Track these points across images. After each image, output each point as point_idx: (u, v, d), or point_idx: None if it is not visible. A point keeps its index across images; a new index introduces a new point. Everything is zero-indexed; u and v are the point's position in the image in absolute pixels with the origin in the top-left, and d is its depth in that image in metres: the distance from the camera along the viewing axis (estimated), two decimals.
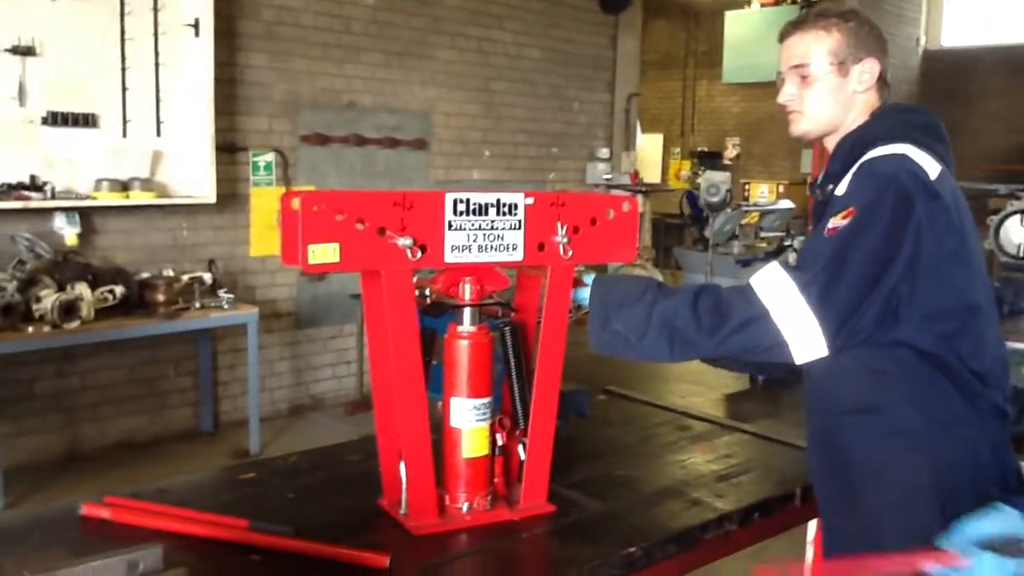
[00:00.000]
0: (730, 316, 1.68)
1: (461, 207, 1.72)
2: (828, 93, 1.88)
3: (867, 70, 1.87)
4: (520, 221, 1.78)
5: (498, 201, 1.75)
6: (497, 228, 1.76)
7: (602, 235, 1.86)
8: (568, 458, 2.16)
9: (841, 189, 1.78)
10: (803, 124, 1.94)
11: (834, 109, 1.89)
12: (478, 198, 1.73)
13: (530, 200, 1.78)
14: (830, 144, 1.94)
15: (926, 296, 1.66)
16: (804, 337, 1.64)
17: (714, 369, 3.46)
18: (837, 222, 1.69)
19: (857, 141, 1.84)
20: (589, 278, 1.84)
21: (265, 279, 5.99)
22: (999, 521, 1.53)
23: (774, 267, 1.72)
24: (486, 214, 1.74)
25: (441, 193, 1.69)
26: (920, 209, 1.66)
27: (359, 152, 6.37)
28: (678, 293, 1.74)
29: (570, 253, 1.82)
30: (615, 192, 7.13)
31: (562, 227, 1.81)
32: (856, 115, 1.89)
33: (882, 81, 1.90)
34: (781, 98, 1.97)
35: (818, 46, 1.88)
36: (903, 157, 1.72)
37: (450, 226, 1.71)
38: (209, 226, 5.65)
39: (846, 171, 1.80)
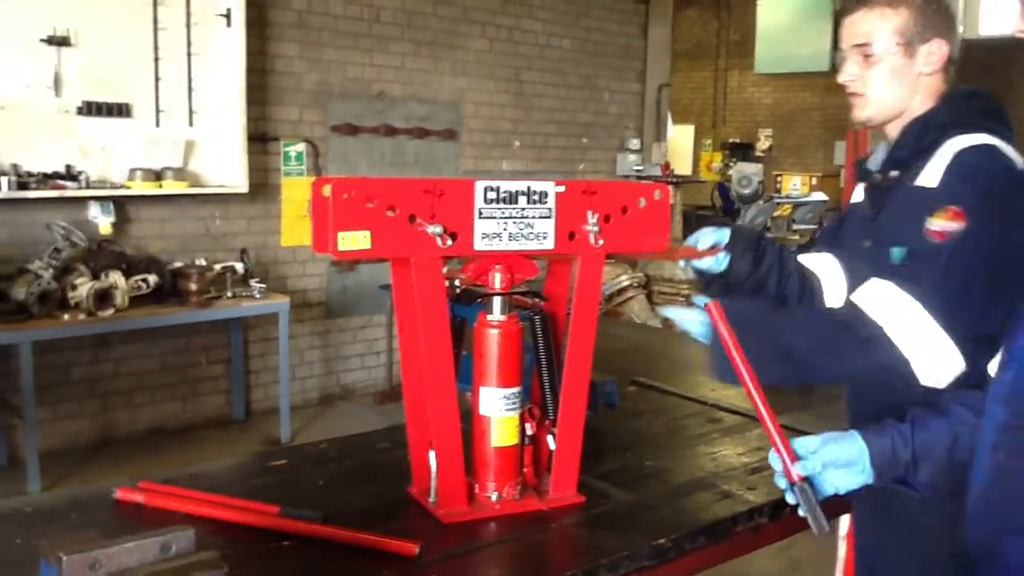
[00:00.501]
0: (848, 337, 1.62)
1: (492, 195, 1.71)
2: (892, 74, 1.80)
3: (935, 51, 1.79)
4: (551, 209, 1.77)
5: (528, 189, 1.74)
6: (527, 216, 1.75)
7: (633, 224, 1.85)
8: (597, 448, 2.16)
9: (925, 179, 1.71)
10: (867, 110, 1.86)
11: (898, 92, 1.81)
12: (508, 186, 1.72)
13: (561, 188, 1.77)
14: (893, 130, 1.87)
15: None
16: (932, 354, 1.57)
17: None
18: (944, 225, 1.62)
19: (926, 127, 1.77)
20: (699, 300, 1.69)
21: (296, 269, 6.03)
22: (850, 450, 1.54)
23: (879, 282, 1.66)
24: (516, 202, 1.73)
25: (471, 181, 1.68)
26: (1017, 204, 1.60)
27: (389, 142, 6.38)
28: (795, 318, 1.69)
29: (601, 242, 1.80)
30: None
31: (593, 216, 1.80)
32: (921, 99, 1.82)
33: (949, 63, 1.81)
34: (842, 77, 1.87)
35: (884, 24, 1.79)
36: (993, 150, 1.66)
37: (480, 214, 1.70)
38: (241, 216, 5.69)
39: (917, 159, 1.73)
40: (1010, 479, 1.27)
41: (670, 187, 1.99)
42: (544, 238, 1.77)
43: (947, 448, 1.50)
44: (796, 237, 9.10)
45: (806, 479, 1.48)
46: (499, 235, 1.73)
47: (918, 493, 1.53)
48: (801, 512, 1.48)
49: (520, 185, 1.73)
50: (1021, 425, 1.28)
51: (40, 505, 1.83)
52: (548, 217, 1.77)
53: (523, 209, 1.74)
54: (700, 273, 2.09)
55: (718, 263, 2.04)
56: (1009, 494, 1.28)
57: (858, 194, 2.12)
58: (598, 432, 2.17)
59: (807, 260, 2.13)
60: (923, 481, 1.51)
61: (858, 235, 1.97)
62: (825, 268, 2.13)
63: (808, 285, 2.09)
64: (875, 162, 1.97)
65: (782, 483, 1.51)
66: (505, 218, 1.72)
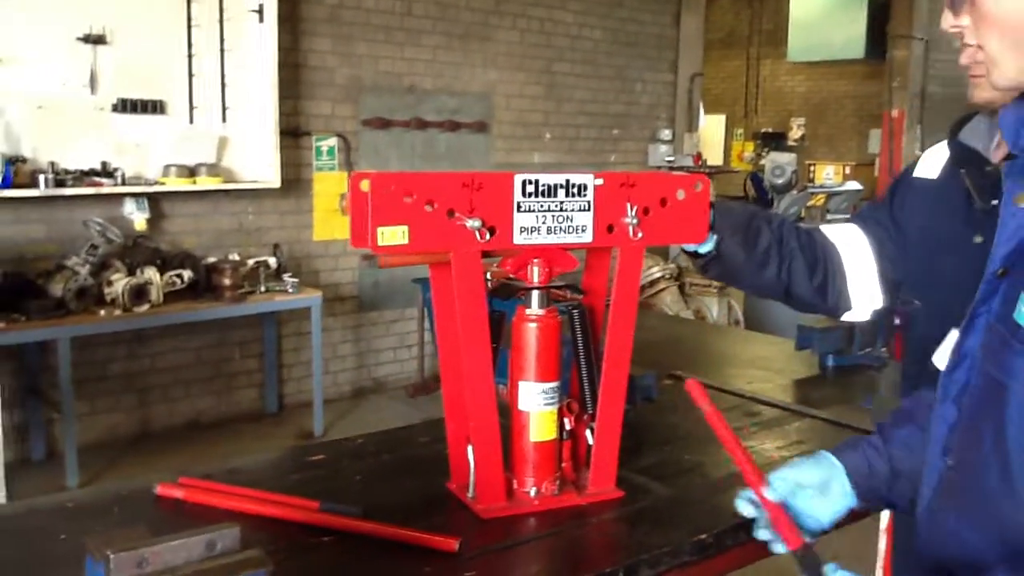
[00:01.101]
0: None
1: (530, 188, 1.69)
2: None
3: None
4: (589, 202, 1.75)
5: (567, 182, 1.72)
6: (566, 210, 1.73)
7: (673, 216, 1.82)
8: (636, 443, 2.14)
9: None
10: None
11: None
12: (547, 179, 1.70)
13: (599, 181, 1.75)
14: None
15: None
16: None
17: (783, 355, 3.40)
18: None
19: None
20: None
21: (328, 263, 6.05)
22: (818, 472, 1.49)
23: None
24: (555, 195, 1.72)
25: (510, 174, 1.66)
26: None
27: (420, 136, 6.39)
28: None
29: (640, 235, 1.78)
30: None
31: (631, 208, 1.77)
32: None
33: None
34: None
35: None
36: None
37: (519, 208, 1.68)
38: (274, 210, 5.72)
39: None
40: (960, 483, 1.18)
41: (710, 178, 1.94)
42: (583, 231, 1.75)
43: (919, 460, 1.42)
44: None
45: (804, 545, 1.41)
46: (537, 229, 1.71)
47: (908, 513, 1.40)
48: None
49: (559, 178, 1.71)
50: (974, 426, 1.18)
51: (82, 500, 1.84)
52: (587, 210, 1.75)
53: (561, 202, 1.72)
54: (692, 255, 1.97)
55: (704, 245, 1.92)
56: (960, 500, 1.20)
57: (930, 168, 1.96)
58: (636, 426, 2.15)
59: (829, 231, 2.03)
60: (907, 497, 1.41)
61: (947, 224, 1.82)
62: (847, 239, 2.01)
63: (820, 264, 1.98)
64: (980, 138, 1.80)
65: (763, 535, 1.49)
66: (544, 211, 1.70)
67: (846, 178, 12.19)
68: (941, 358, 1.51)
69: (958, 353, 1.25)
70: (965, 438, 1.20)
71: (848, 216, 8.55)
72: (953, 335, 1.47)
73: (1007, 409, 1.09)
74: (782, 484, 1.49)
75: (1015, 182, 1.17)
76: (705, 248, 1.93)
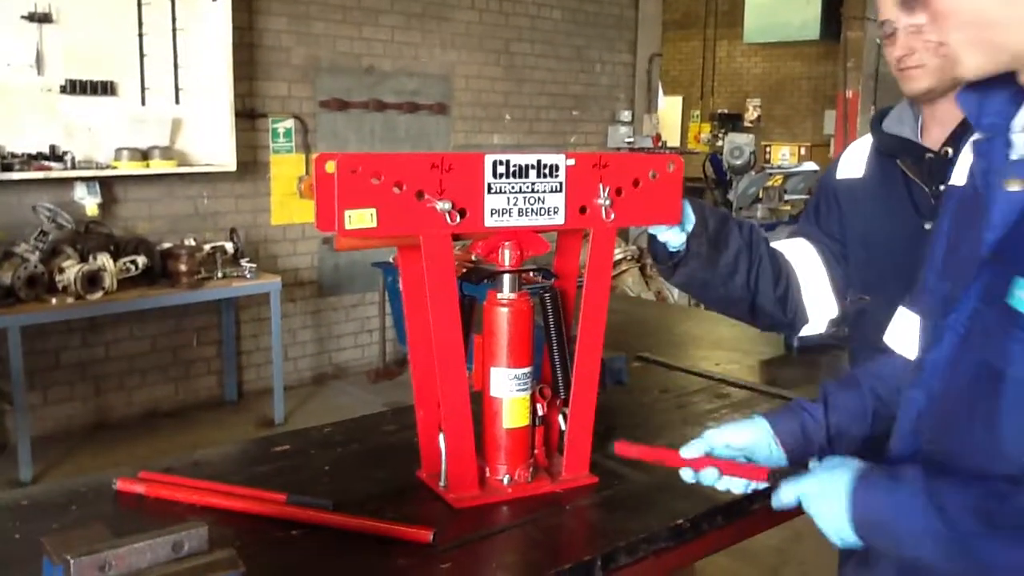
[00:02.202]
0: None
1: (501, 169, 1.65)
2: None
3: None
4: (561, 183, 1.71)
5: (539, 163, 1.68)
6: (538, 191, 1.69)
7: (646, 197, 1.79)
8: (608, 427, 2.11)
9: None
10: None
11: None
12: (518, 159, 1.66)
13: (571, 161, 1.71)
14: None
15: None
16: None
17: (748, 335, 3.39)
18: None
19: None
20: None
21: (287, 248, 5.95)
22: (747, 433, 1.53)
23: None
24: (526, 176, 1.67)
25: (480, 155, 1.62)
26: None
27: (379, 117, 6.30)
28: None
29: (612, 216, 1.75)
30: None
31: (604, 189, 1.74)
32: None
33: None
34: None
35: None
36: None
37: (489, 189, 1.64)
38: (230, 194, 5.61)
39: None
40: (940, 464, 1.18)
41: (682, 158, 1.91)
42: (555, 213, 1.71)
43: (863, 428, 1.47)
44: (787, 208, 9.06)
45: (770, 473, 1.43)
46: (509, 211, 1.67)
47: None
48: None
49: (530, 158, 1.67)
50: (956, 409, 1.18)
51: (37, 497, 1.77)
52: (559, 191, 1.71)
53: (533, 183, 1.68)
54: (658, 253, 1.91)
55: (675, 242, 1.87)
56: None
57: (852, 167, 1.99)
58: (607, 410, 2.12)
59: (781, 247, 2.02)
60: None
61: (891, 217, 1.83)
62: (798, 253, 2.02)
63: (783, 275, 1.97)
64: (906, 127, 1.85)
65: (725, 483, 1.51)
66: (515, 193, 1.66)
67: (802, 159, 12.29)
68: (893, 338, 1.52)
69: (931, 335, 1.24)
70: (944, 421, 1.19)
71: (805, 200, 8.59)
72: (904, 314, 1.48)
73: (1003, 394, 1.09)
74: (704, 441, 1.53)
75: (988, 163, 1.17)
76: (675, 244, 1.89)
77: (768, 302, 1.98)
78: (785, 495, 1.33)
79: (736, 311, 2.05)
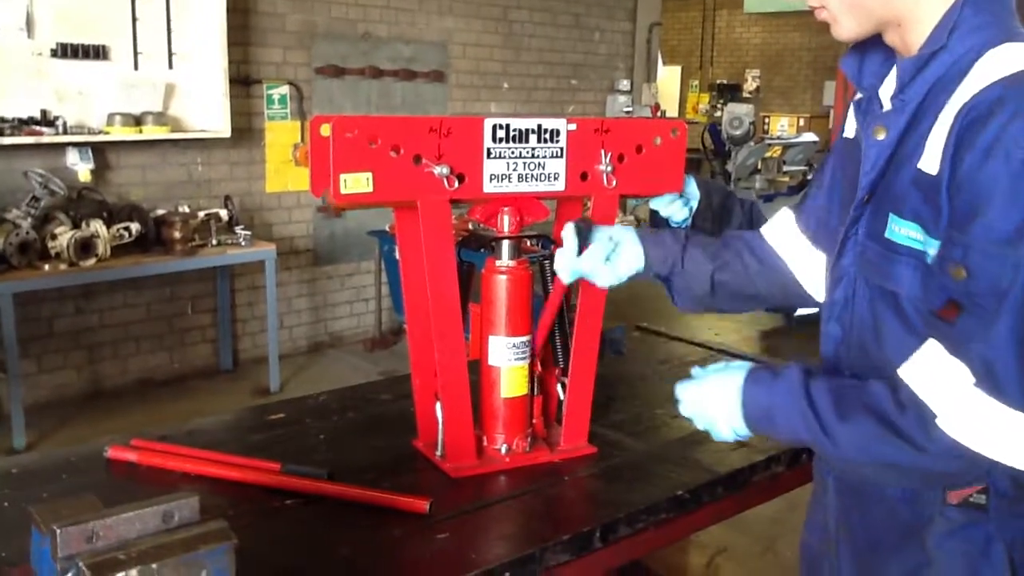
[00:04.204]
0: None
1: (501, 133, 1.61)
2: None
3: None
4: (562, 149, 1.67)
5: (539, 127, 1.65)
6: (538, 156, 1.65)
7: (648, 164, 1.75)
8: (607, 398, 2.09)
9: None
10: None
11: None
12: (518, 124, 1.63)
13: (572, 126, 1.68)
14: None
15: None
16: None
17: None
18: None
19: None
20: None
21: (282, 215, 5.90)
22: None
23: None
24: (527, 141, 1.64)
25: (480, 119, 1.58)
26: None
27: (376, 85, 6.22)
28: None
29: (614, 183, 1.71)
30: None
31: (606, 155, 1.70)
32: None
33: None
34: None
35: None
36: None
37: (489, 154, 1.60)
38: (224, 161, 5.54)
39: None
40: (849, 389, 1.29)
41: (686, 125, 1.87)
42: (555, 179, 1.68)
43: (715, 276, 1.58)
44: (786, 179, 9.00)
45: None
46: (508, 176, 1.63)
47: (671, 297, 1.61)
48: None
49: (530, 123, 1.63)
50: (863, 334, 1.32)
51: (28, 465, 1.74)
52: (559, 157, 1.67)
53: (533, 148, 1.64)
54: (659, 226, 1.90)
55: (682, 212, 1.88)
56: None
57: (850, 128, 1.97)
58: (606, 380, 2.10)
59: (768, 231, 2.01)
60: (679, 287, 1.59)
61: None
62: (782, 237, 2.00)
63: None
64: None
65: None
66: (515, 158, 1.62)
67: (800, 130, 12.20)
68: (770, 232, 1.65)
69: (835, 275, 1.37)
70: (858, 348, 1.33)
71: (804, 171, 8.48)
72: (786, 217, 1.63)
73: (903, 309, 1.24)
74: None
75: (865, 118, 1.33)
76: (677, 220, 1.86)
77: None
78: (681, 397, 1.43)
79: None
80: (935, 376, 1.16)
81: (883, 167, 1.26)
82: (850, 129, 1.44)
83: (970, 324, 1.13)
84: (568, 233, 1.57)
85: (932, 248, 1.18)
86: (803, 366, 1.32)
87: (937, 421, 1.15)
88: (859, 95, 1.39)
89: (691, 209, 1.85)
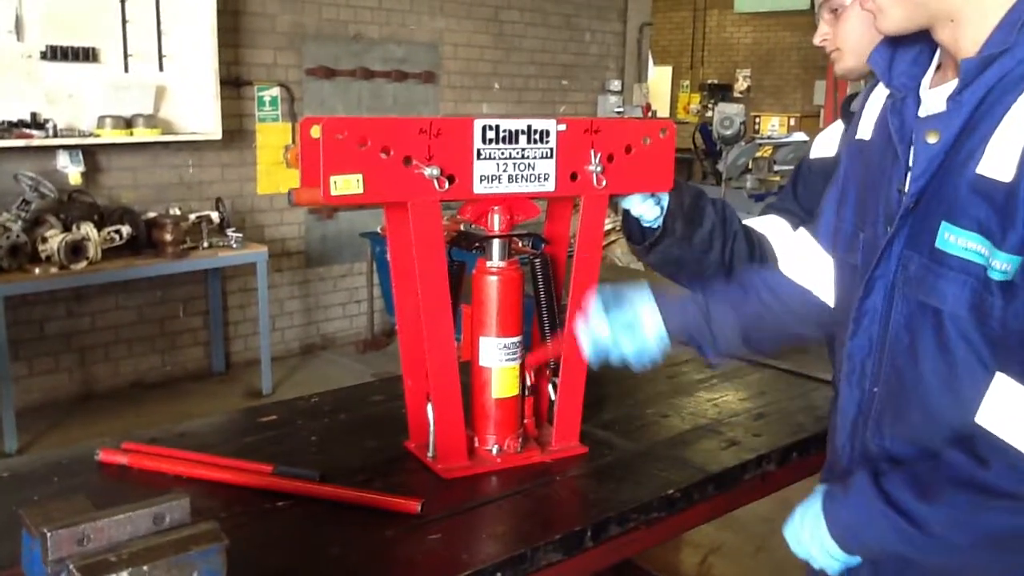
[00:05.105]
0: None
1: (491, 135, 1.61)
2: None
3: None
4: (552, 149, 1.68)
5: (529, 128, 1.65)
6: (528, 157, 1.65)
7: (638, 164, 1.76)
8: (597, 397, 2.10)
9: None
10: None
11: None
12: (508, 124, 1.63)
13: (562, 127, 1.68)
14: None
15: None
16: None
17: None
18: None
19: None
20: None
21: (274, 217, 5.89)
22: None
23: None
24: (516, 142, 1.64)
25: (470, 120, 1.58)
26: None
27: (367, 86, 6.22)
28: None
29: (604, 183, 1.72)
30: None
31: (595, 155, 1.71)
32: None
33: None
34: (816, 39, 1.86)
35: None
36: None
37: (479, 155, 1.61)
38: (215, 163, 5.54)
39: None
40: (891, 405, 1.25)
41: (675, 125, 1.88)
42: (545, 179, 1.68)
43: (745, 325, 1.56)
44: (777, 178, 9.03)
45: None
46: (498, 177, 1.63)
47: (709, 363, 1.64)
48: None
49: (520, 123, 1.64)
50: (901, 349, 1.24)
51: (19, 468, 1.74)
52: (549, 157, 1.67)
53: (523, 149, 1.65)
54: (633, 233, 1.89)
55: (653, 212, 1.85)
56: (891, 419, 1.27)
57: (825, 148, 1.97)
58: (596, 380, 2.10)
59: (755, 223, 2.01)
60: (721, 351, 1.60)
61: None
62: (772, 226, 2.00)
63: (756, 248, 1.95)
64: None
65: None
66: (505, 159, 1.63)
67: (791, 130, 12.24)
68: (788, 265, 1.62)
69: (868, 284, 1.28)
70: (888, 363, 1.26)
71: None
72: (804, 240, 1.59)
73: (944, 328, 1.16)
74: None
75: (902, 119, 1.25)
76: (649, 219, 1.85)
77: None
78: (787, 538, 1.35)
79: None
80: (1016, 414, 1.05)
81: (934, 172, 1.17)
82: (865, 131, 1.38)
83: None
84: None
85: (999, 262, 1.08)
86: (871, 470, 1.22)
87: None
88: (891, 95, 1.30)
89: (662, 208, 1.85)
